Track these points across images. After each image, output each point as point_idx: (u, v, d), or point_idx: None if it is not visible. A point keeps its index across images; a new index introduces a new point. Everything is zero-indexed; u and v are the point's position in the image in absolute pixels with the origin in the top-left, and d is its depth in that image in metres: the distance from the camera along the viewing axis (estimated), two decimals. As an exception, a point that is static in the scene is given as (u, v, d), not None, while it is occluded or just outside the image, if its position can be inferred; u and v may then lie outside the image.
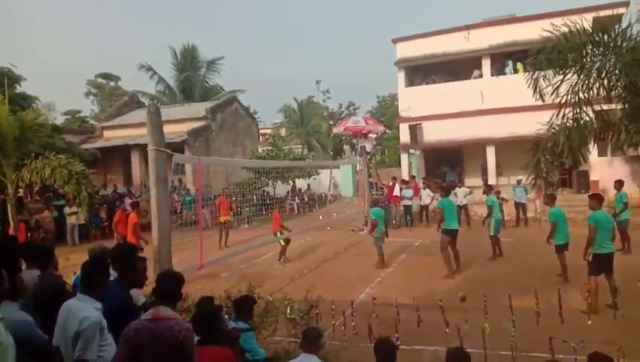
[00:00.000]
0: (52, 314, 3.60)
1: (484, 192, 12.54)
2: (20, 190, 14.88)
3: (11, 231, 12.17)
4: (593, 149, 7.31)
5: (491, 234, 11.47)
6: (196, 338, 3.70)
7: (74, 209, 15.56)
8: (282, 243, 12.05)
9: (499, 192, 16.46)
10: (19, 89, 18.24)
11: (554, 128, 6.40)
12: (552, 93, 6.42)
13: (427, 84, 22.25)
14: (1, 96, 11.24)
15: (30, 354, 3.55)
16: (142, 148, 20.86)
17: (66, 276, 5.14)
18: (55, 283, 4.20)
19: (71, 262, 5.54)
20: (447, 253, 10.01)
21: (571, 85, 6.21)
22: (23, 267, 4.73)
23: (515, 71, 20.08)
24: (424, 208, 17.49)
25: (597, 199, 7.71)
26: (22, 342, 3.43)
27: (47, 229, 17.18)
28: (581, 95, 6.15)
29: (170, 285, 3.34)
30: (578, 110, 6.18)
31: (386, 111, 47.01)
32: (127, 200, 17.87)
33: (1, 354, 3.08)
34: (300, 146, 39.36)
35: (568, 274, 8.89)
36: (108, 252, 4.71)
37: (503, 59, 20.80)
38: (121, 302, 3.72)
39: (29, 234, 15.03)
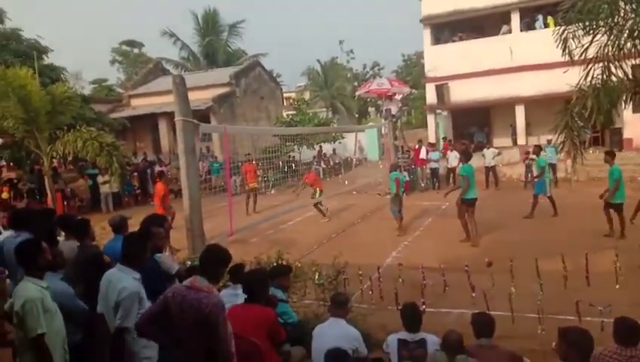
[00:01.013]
0: (92, 284, 3.82)
1: (533, 152, 12.47)
2: (54, 160, 15.33)
3: (49, 201, 12.68)
4: (628, 106, 7.06)
5: (549, 194, 11.50)
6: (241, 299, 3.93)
7: (106, 178, 16.00)
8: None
9: (528, 153, 16.21)
10: (46, 60, 18.50)
11: (583, 89, 6.20)
12: (580, 55, 6.21)
13: (453, 41, 21.63)
14: (32, 71, 11.47)
15: (71, 322, 3.82)
16: (169, 116, 21.12)
17: (102, 245, 5.37)
18: (93, 253, 4.41)
19: (107, 231, 5.75)
20: (464, 219, 9.78)
21: (600, 46, 5.98)
22: (62, 238, 5.00)
23: (546, 25, 19.25)
24: (451, 170, 17.32)
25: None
26: (63, 312, 3.69)
27: (82, 198, 17.82)
28: (610, 55, 5.92)
29: (208, 262, 3.25)
30: (607, 72, 5.95)
31: (412, 71, 46.07)
32: (157, 168, 18.30)
33: (49, 320, 3.32)
34: (325, 110, 39.10)
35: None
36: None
37: (532, 13, 19.96)
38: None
39: (65, 203, 15.63)
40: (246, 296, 3.95)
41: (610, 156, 9.37)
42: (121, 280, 3.50)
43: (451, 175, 17.33)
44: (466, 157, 10.21)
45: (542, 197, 11.53)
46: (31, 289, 3.30)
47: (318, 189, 13.12)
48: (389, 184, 11.79)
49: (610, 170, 9.17)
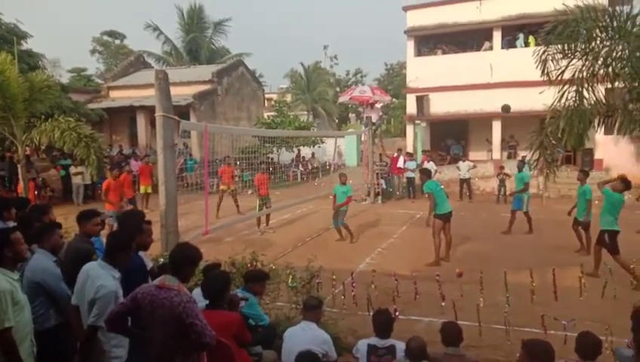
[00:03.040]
0: (74, 276, 3.80)
1: (517, 166, 12.37)
2: (27, 148, 15.01)
3: (20, 189, 12.40)
4: (600, 129, 7.30)
5: (525, 209, 11.54)
6: (205, 303, 3.91)
7: (80, 169, 15.73)
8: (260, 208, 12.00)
9: (502, 167, 16.58)
10: (25, 46, 18.09)
11: (558, 110, 6.42)
12: (556, 77, 6.42)
13: (435, 54, 21.98)
14: (11, 56, 11.21)
15: (51, 306, 3.80)
16: (147, 109, 20.89)
17: (68, 237, 5.27)
18: (86, 250, 4.34)
19: (69, 224, 5.64)
20: (437, 239, 9.13)
21: (576, 70, 6.20)
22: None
23: (526, 44, 19.76)
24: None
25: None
26: (45, 292, 3.68)
27: (53, 188, 17.45)
28: (584, 80, 6.14)
29: (177, 262, 3.25)
30: (580, 96, 6.17)
31: (394, 80, 46.61)
32: (133, 162, 18.05)
33: (18, 312, 3.28)
34: (306, 113, 39.19)
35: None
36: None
37: (514, 31, 20.44)
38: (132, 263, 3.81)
39: (36, 193, 15.28)
40: (207, 303, 3.90)
41: (583, 175, 9.52)
42: (100, 277, 3.44)
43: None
44: (425, 175, 9.85)
45: (519, 213, 11.60)
46: (1, 281, 3.24)
47: (262, 196, 12.12)
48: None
49: (582, 189, 9.32)
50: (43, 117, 11.80)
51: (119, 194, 11.22)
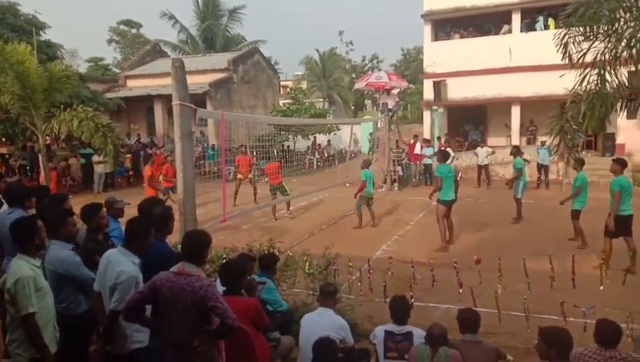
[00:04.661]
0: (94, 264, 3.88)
1: (511, 153, 12.14)
2: (47, 138, 15.28)
3: (42, 178, 12.63)
4: (622, 113, 7.12)
5: (519, 196, 11.35)
6: (222, 289, 3.97)
7: (102, 158, 15.94)
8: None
9: (522, 153, 16.32)
10: (43, 36, 18.31)
11: (579, 94, 6.27)
12: (577, 60, 6.26)
13: (452, 38, 21.63)
14: (30, 47, 11.36)
15: (79, 292, 3.91)
16: (164, 98, 21.02)
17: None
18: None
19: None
20: (442, 224, 9.32)
21: (598, 53, 6.03)
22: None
23: (546, 27, 19.32)
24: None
25: (620, 163, 7.94)
26: (67, 280, 3.83)
27: (73, 177, 17.75)
28: (606, 63, 5.97)
29: (194, 247, 3.32)
30: (602, 79, 6.00)
31: (410, 65, 46.14)
32: (149, 151, 18.26)
33: (41, 299, 3.37)
34: (321, 100, 39.05)
35: (586, 238, 8.91)
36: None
37: (534, 14, 19.99)
38: (158, 256, 3.81)
39: (57, 182, 15.57)
40: (225, 289, 3.96)
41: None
42: (121, 263, 3.50)
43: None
44: (441, 156, 9.92)
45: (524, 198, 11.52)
46: (24, 268, 3.32)
47: (280, 183, 12.31)
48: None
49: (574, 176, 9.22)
50: (62, 106, 11.99)
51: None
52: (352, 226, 11.21)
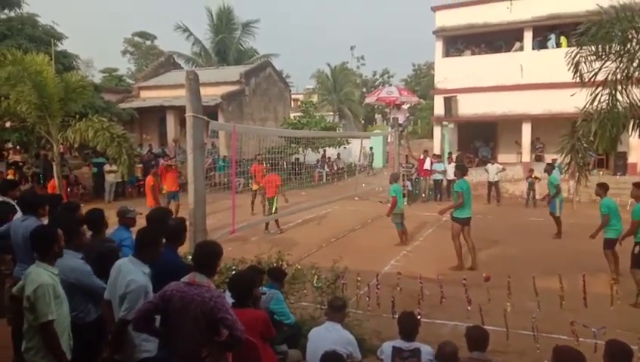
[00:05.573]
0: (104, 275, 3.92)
1: (545, 170, 12.03)
2: (61, 146, 15.51)
3: (51, 187, 12.79)
4: (635, 132, 7.03)
5: (557, 214, 11.29)
6: (231, 301, 3.98)
7: (114, 167, 16.11)
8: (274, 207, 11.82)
9: (532, 170, 16.26)
10: (60, 47, 18.66)
11: (590, 113, 6.27)
12: (589, 79, 6.28)
13: (463, 55, 21.70)
14: (48, 57, 11.58)
15: (89, 301, 3.96)
16: (177, 109, 21.26)
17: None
18: (110, 249, 4.46)
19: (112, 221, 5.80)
20: (458, 242, 8.96)
21: (609, 72, 6.05)
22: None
23: (558, 45, 19.33)
24: (451, 183, 17.35)
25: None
26: (78, 290, 3.85)
27: (85, 185, 17.94)
28: (618, 83, 5.98)
29: (205, 258, 3.36)
30: (613, 99, 6.01)
31: (421, 81, 46.22)
32: (162, 161, 18.40)
33: (58, 306, 3.40)
34: (332, 114, 39.22)
35: (614, 267, 8.09)
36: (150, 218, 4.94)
37: (546, 32, 20.02)
38: (169, 267, 3.84)
39: (69, 190, 15.74)
40: (234, 301, 3.97)
41: (601, 189, 8.37)
42: (131, 273, 3.54)
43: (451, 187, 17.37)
44: (461, 171, 9.42)
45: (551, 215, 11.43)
46: (43, 275, 3.34)
47: (272, 197, 11.85)
48: (389, 194, 11.49)
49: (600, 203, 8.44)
50: (77, 116, 12.18)
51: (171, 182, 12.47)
52: (394, 243, 10.87)
